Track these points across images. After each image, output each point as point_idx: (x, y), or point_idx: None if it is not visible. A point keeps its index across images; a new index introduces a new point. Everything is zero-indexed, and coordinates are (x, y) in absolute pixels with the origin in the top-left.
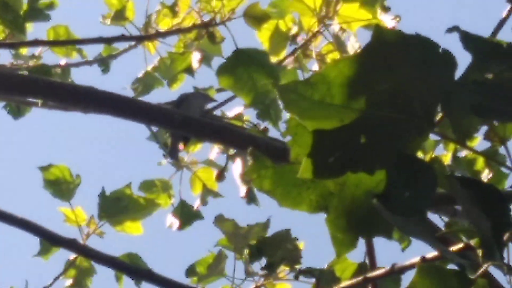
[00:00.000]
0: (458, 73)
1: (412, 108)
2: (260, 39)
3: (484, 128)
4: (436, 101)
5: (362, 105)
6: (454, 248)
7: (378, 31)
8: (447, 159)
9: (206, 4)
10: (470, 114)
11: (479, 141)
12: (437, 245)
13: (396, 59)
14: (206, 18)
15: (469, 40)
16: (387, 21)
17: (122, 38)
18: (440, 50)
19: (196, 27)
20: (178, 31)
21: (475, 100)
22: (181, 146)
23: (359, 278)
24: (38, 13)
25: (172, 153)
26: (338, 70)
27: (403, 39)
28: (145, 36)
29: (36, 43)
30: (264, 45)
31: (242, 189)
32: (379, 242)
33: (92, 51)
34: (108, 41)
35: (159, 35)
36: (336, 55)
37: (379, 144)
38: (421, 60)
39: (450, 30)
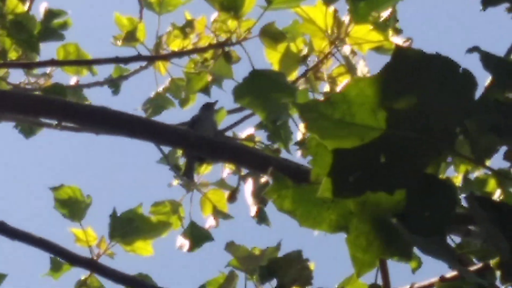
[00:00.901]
0: (478, 93)
1: (432, 128)
2: (270, 60)
3: (503, 148)
4: (456, 121)
5: (382, 125)
6: (472, 268)
7: (399, 50)
8: (458, 180)
9: (222, 24)
10: (489, 134)
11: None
12: (457, 265)
13: (416, 78)
14: (222, 38)
15: (489, 60)
16: (399, 43)
17: (137, 57)
18: (460, 70)
19: (212, 46)
20: (194, 50)
21: (495, 120)
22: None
23: None
24: (52, 33)
25: (187, 173)
26: (358, 89)
27: (424, 58)
28: (159, 56)
29: (51, 63)
30: (274, 67)
31: (253, 209)
32: (389, 263)
33: (102, 70)
34: (123, 61)
35: (175, 54)
36: (347, 77)
37: (399, 163)
38: (441, 80)
39: (471, 50)
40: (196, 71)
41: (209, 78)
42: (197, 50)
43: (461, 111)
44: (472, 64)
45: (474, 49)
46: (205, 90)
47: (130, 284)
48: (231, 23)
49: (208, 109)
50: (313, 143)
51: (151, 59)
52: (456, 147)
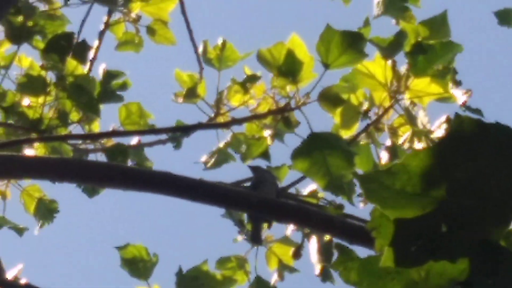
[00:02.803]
0: None
1: (493, 196)
2: (332, 114)
3: None
4: None
5: (443, 194)
6: None
7: (458, 120)
8: None
9: (281, 90)
10: None
11: None
12: None
13: (475, 147)
14: (281, 101)
15: None
16: (458, 95)
17: (198, 126)
18: None
19: (271, 112)
20: (253, 117)
21: None
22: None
23: None
24: (111, 95)
25: (254, 236)
26: (418, 160)
27: (482, 128)
28: (220, 124)
29: (113, 134)
30: (336, 120)
31: (317, 267)
32: None
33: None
34: (184, 129)
35: (235, 121)
36: (408, 128)
37: (460, 232)
38: (500, 148)
39: None
40: (257, 136)
41: (270, 136)
42: (256, 116)
43: None
44: None
45: None
46: (265, 155)
47: None
48: (290, 88)
49: (266, 169)
50: (376, 215)
51: (210, 127)
52: None
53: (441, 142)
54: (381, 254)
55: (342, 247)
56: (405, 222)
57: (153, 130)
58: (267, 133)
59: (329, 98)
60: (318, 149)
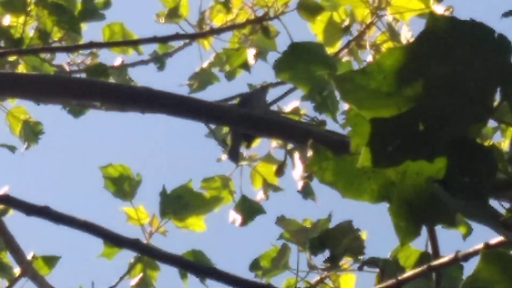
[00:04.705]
0: None
1: (469, 94)
2: (314, 31)
3: None
4: (494, 86)
5: (419, 93)
6: None
7: (432, 18)
8: (505, 145)
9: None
10: None
11: None
12: (501, 230)
13: (450, 45)
14: (260, 13)
15: None
16: (440, 11)
17: (176, 36)
18: (495, 35)
19: (250, 22)
20: (232, 27)
21: None
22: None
23: (424, 267)
24: (92, 13)
25: (232, 153)
26: (393, 59)
27: (457, 25)
28: (199, 34)
29: (91, 45)
30: (319, 38)
31: (299, 184)
32: (441, 230)
33: (148, 47)
34: (163, 40)
35: (213, 32)
36: (390, 44)
37: (437, 131)
38: (476, 46)
39: (507, 14)
40: (237, 47)
41: (251, 52)
42: (235, 26)
43: (496, 76)
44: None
45: (510, 13)
46: (245, 66)
47: (178, 264)
48: None
49: (263, 90)
50: (352, 114)
51: (190, 37)
52: (495, 112)
53: (416, 40)
54: (357, 154)
55: (317, 147)
56: (381, 122)
57: (131, 42)
58: (250, 51)
59: (308, 7)
60: (300, 57)
